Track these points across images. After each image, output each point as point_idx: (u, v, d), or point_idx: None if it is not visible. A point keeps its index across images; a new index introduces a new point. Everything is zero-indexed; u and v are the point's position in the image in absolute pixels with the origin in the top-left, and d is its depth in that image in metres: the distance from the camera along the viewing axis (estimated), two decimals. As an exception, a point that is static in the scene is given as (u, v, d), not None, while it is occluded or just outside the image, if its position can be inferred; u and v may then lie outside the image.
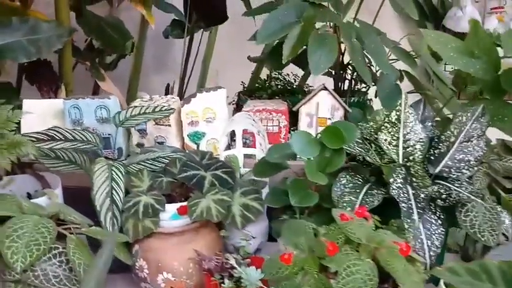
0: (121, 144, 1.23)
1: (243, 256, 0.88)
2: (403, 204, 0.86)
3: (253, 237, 1.05)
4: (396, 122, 0.94)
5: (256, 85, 1.45)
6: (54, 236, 0.78)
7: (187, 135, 1.22)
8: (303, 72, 1.53)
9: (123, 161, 1.01)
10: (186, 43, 1.54)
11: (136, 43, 1.71)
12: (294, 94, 1.41)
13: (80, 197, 1.02)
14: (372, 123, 0.97)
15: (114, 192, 0.94)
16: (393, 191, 0.87)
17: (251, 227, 1.00)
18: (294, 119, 1.24)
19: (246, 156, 1.20)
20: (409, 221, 0.86)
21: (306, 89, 1.45)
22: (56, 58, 1.51)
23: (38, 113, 1.24)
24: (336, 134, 0.86)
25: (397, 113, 0.94)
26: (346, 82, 1.42)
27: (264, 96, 1.38)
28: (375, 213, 0.85)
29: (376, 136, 0.98)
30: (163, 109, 1.09)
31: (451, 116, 1.13)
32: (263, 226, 1.09)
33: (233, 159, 1.18)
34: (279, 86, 1.42)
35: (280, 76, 1.45)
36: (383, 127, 0.94)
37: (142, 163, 1.01)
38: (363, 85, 1.43)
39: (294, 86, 1.45)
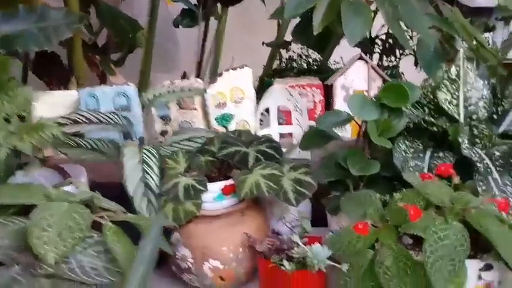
0: (141, 133, 1.14)
1: (300, 235, 0.78)
2: (479, 164, 0.76)
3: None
4: (456, 78, 0.86)
5: (281, 66, 1.37)
6: (90, 222, 0.68)
7: (215, 119, 1.13)
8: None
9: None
10: (201, 28, 1.45)
11: (146, 35, 1.62)
12: (322, 73, 1.32)
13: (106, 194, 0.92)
14: (430, 81, 0.88)
15: (147, 176, 0.84)
16: (464, 150, 0.78)
17: (294, 211, 0.90)
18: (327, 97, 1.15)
19: (282, 135, 1.11)
20: (481, 181, 0.76)
21: (334, 66, 1.37)
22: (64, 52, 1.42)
23: (50, 105, 1.15)
24: (399, 92, 0.76)
25: (457, 68, 0.86)
26: (375, 56, 1.34)
27: (291, 75, 1.29)
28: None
29: (432, 97, 0.89)
30: (191, 88, 1.00)
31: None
32: (307, 209, 0.99)
33: (268, 139, 1.09)
34: (304, 66, 1.34)
35: (303, 54, 1.36)
36: (442, 85, 0.86)
37: (176, 144, 0.91)
38: (392, 58, 1.35)
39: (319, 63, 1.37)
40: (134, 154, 0.86)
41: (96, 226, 0.72)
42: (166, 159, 0.87)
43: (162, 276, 0.90)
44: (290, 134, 1.11)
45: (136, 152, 0.87)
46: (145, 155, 0.87)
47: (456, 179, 0.68)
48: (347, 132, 1.10)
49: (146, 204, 0.82)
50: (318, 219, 0.98)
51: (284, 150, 1.04)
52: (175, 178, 0.82)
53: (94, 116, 0.88)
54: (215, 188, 0.81)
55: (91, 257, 0.68)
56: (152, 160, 0.86)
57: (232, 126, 1.14)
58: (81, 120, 0.87)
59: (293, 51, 1.44)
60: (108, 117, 0.89)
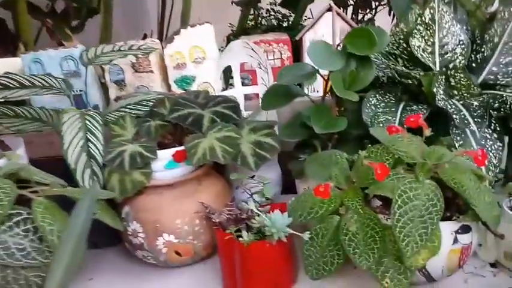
0: (97, 100, 1.04)
1: (260, 203, 0.71)
2: (455, 116, 0.68)
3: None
4: (430, 22, 0.77)
5: (250, 23, 1.26)
6: (13, 197, 0.60)
7: (174, 82, 1.03)
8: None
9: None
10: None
11: (103, -3, 1.49)
12: (293, 29, 1.22)
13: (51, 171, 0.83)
14: (402, 26, 0.79)
15: (90, 144, 0.75)
16: (439, 101, 0.70)
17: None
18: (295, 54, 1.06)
19: (247, 97, 1.02)
20: (458, 135, 0.69)
21: (306, 23, 1.26)
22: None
23: (-7, 74, 1.04)
24: (365, 36, 0.67)
25: (431, 11, 0.77)
26: (350, 10, 1.25)
27: (259, 32, 1.19)
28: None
29: (405, 46, 0.80)
30: (142, 47, 0.90)
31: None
32: (275, 175, 0.92)
33: (232, 101, 1.00)
34: (273, 22, 1.24)
35: (272, 10, 1.26)
36: (415, 31, 0.77)
37: (123, 109, 0.82)
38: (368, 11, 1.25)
39: (290, 22, 1.26)
40: (75, 121, 0.77)
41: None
42: (112, 125, 0.78)
43: (117, 255, 0.83)
44: (257, 95, 1.02)
45: (77, 118, 0.77)
46: (88, 122, 0.77)
47: (427, 131, 0.60)
48: (319, 94, 1.02)
49: (90, 176, 0.73)
50: (290, 186, 0.91)
51: (250, 113, 0.95)
52: (121, 146, 0.74)
53: (26, 79, 0.78)
54: (166, 154, 0.73)
55: (18, 237, 0.59)
56: (96, 127, 0.77)
57: (193, 89, 1.05)
58: (11, 84, 0.77)
59: (262, 8, 1.34)
60: (43, 80, 0.79)
